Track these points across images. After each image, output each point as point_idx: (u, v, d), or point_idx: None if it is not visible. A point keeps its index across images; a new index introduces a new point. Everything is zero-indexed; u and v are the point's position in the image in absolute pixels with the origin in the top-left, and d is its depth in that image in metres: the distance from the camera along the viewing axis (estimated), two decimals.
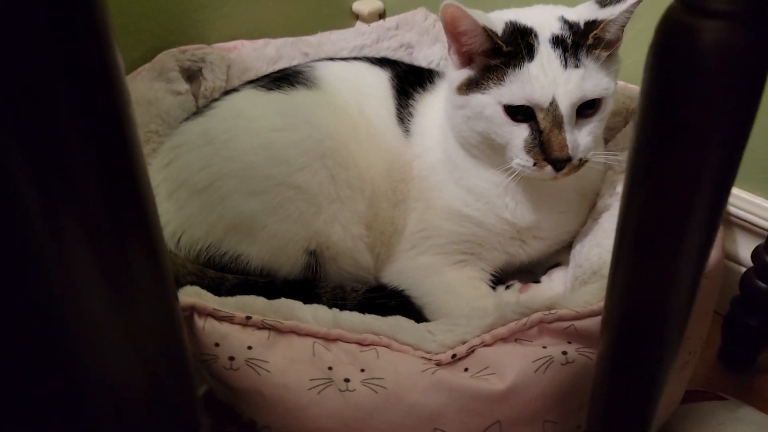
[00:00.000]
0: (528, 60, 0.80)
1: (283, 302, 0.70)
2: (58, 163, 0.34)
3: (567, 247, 0.95)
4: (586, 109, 0.81)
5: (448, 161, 0.93)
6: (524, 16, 0.85)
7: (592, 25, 0.81)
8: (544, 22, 0.84)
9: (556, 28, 0.83)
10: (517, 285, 0.94)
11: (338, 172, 0.90)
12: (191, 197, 0.89)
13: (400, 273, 0.95)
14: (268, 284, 0.87)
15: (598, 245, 0.83)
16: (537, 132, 0.80)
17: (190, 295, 0.67)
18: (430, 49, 1.21)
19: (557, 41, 0.81)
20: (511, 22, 0.84)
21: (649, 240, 0.44)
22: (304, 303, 0.82)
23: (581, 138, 0.81)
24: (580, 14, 0.84)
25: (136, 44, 1.14)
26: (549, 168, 0.80)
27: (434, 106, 0.97)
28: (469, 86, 0.84)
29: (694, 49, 0.38)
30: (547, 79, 0.79)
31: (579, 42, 0.81)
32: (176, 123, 1.06)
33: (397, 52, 1.22)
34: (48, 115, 0.33)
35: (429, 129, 0.96)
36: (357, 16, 1.44)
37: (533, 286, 0.92)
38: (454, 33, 0.83)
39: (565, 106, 0.79)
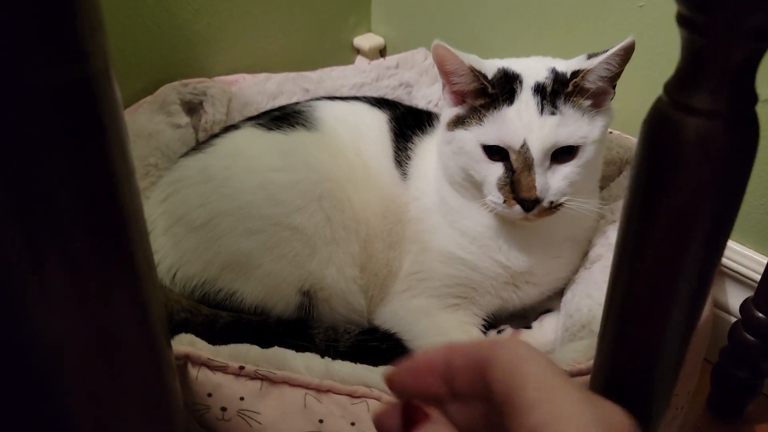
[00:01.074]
0: (507, 104, 0.83)
1: (276, 351, 0.71)
2: (43, 202, 0.33)
3: (559, 293, 0.96)
4: (564, 154, 0.84)
5: (442, 204, 0.94)
6: (516, 65, 0.89)
7: (575, 74, 0.84)
8: (533, 70, 0.87)
9: (542, 76, 0.86)
10: (508, 330, 0.95)
11: (334, 214, 0.91)
12: (188, 233, 0.90)
13: (393, 314, 0.95)
14: (261, 323, 0.88)
15: (589, 296, 0.84)
16: (510, 171, 0.83)
17: (185, 343, 0.68)
18: (429, 88, 1.23)
19: (538, 88, 0.84)
20: (502, 68, 0.87)
21: (635, 316, 0.45)
22: (298, 342, 0.83)
23: (554, 181, 0.83)
24: (570, 65, 0.87)
25: (138, 76, 1.15)
26: (518, 207, 0.82)
27: (432, 149, 0.98)
28: (456, 123, 0.88)
29: (679, 143, 0.39)
30: (521, 123, 0.82)
31: (558, 90, 0.84)
32: (176, 156, 1.06)
33: (396, 90, 1.23)
34: (34, 153, 0.33)
35: (426, 172, 0.98)
36: (358, 51, 1.46)
37: (524, 332, 0.93)
38: (443, 72, 0.87)
39: (537, 150, 0.81)
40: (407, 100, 1.23)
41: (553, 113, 0.82)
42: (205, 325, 0.86)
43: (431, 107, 1.20)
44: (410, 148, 1.00)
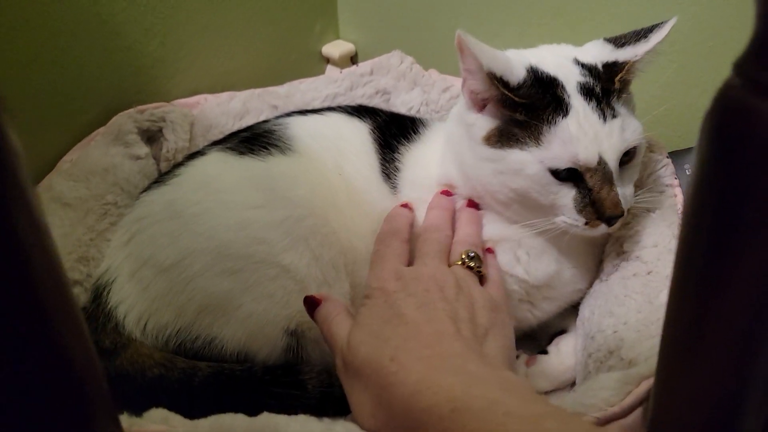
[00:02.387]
0: (562, 115, 0.73)
1: (266, 419, 0.61)
2: None
3: (572, 311, 0.87)
4: (624, 156, 0.75)
5: None
6: (540, 60, 0.78)
7: (612, 67, 0.76)
8: (564, 68, 0.77)
9: (578, 73, 0.76)
10: (523, 357, 0.85)
11: (322, 252, 0.82)
12: (157, 276, 0.80)
13: None
14: (245, 372, 0.78)
15: (611, 314, 0.75)
16: (586, 190, 0.74)
17: (156, 420, 0.57)
18: (408, 94, 1.13)
19: (587, 91, 0.74)
20: (532, 69, 0.76)
21: (708, 363, 0.36)
22: (288, 391, 0.76)
23: (627, 189, 0.76)
24: (594, 56, 0.79)
25: (88, 107, 1.04)
26: (602, 226, 0.74)
27: (425, 157, 0.90)
28: (501, 138, 0.77)
29: (759, 135, 0.30)
30: (588, 138, 0.72)
31: (609, 89, 0.75)
32: (137, 191, 0.97)
33: (373, 99, 1.14)
34: None
35: (420, 183, 0.88)
36: (327, 60, 1.37)
37: (541, 359, 0.83)
38: (464, 69, 0.76)
39: (613, 162, 0.73)
40: (385, 107, 1.13)
41: (614, 117, 0.74)
42: (182, 381, 0.77)
43: (412, 113, 1.11)
44: (398, 159, 0.90)
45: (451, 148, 0.86)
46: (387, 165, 0.90)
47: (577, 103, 0.74)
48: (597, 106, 0.73)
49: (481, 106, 0.79)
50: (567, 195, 0.75)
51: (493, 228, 0.83)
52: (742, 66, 0.30)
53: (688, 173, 0.84)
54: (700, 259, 0.34)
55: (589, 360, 0.72)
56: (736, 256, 0.32)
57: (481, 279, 0.75)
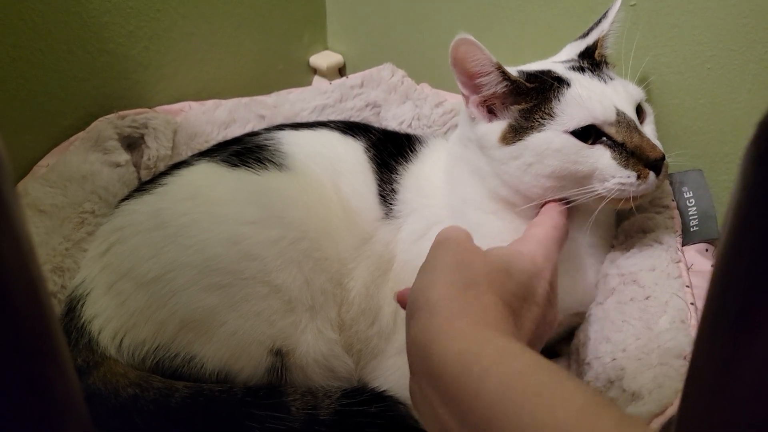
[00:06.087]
0: (566, 87, 0.76)
1: None
2: None
3: (565, 333, 0.84)
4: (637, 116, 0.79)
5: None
6: (524, 68, 0.83)
7: (586, 52, 0.83)
8: (548, 65, 0.82)
9: (561, 65, 0.82)
10: None
11: (313, 277, 0.80)
12: (137, 290, 0.77)
13: (385, 370, 0.83)
14: (225, 392, 0.75)
15: (607, 340, 0.72)
16: (620, 147, 0.74)
17: None
18: (399, 108, 1.11)
19: (577, 69, 0.80)
20: (522, 71, 0.81)
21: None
22: (269, 413, 0.73)
23: (656, 140, 0.78)
24: (568, 53, 0.86)
25: (67, 110, 1.01)
26: (652, 175, 0.74)
27: (429, 177, 0.89)
28: (517, 133, 0.77)
29: None
30: (598, 96, 0.75)
31: (594, 63, 0.81)
32: (116, 200, 0.93)
33: (363, 112, 1.11)
34: None
35: (426, 203, 0.87)
36: (315, 71, 1.34)
37: None
38: (468, 76, 0.77)
39: (630, 112, 0.76)
40: (375, 121, 1.11)
41: (611, 78, 0.79)
42: (157, 402, 0.74)
43: (404, 128, 1.09)
44: (395, 180, 0.88)
45: (468, 170, 0.84)
46: (384, 186, 0.88)
47: (575, 76, 0.78)
48: (593, 74, 0.78)
49: (488, 114, 0.80)
50: (603, 155, 0.75)
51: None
52: None
53: (685, 195, 0.83)
54: (739, 297, 0.31)
55: None
56: None
57: None
